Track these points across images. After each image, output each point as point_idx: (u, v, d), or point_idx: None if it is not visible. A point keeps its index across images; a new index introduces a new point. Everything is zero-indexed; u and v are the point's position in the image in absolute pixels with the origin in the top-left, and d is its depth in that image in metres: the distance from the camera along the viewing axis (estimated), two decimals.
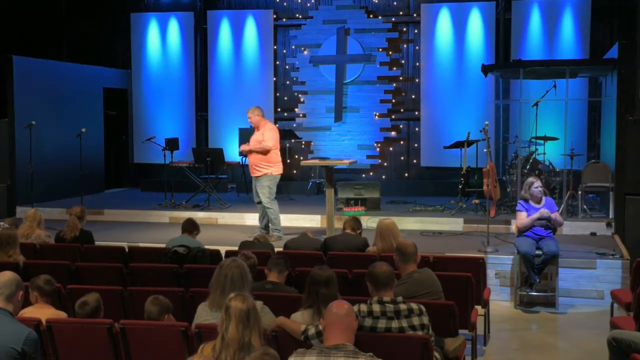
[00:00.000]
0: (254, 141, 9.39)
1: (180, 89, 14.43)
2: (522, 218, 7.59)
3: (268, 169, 9.37)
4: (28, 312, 4.69)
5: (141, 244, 8.83)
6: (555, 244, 7.48)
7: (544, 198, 7.69)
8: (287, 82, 14.14)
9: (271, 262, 5.31)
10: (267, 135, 9.34)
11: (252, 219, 10.79)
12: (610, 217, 9.57)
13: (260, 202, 9.49)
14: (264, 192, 9.36)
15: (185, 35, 14.41)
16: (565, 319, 7.37)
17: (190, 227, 7.28)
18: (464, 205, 10.87)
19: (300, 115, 13.90)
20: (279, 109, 14.13)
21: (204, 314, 4.49)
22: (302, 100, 13.93)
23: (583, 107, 12.11)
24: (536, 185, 7.65)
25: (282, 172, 9.63)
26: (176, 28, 14.42)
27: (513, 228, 9.06)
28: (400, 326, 4.21)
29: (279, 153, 9.54)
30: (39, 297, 4.82)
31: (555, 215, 7.59)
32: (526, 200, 7.69)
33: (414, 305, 4.31)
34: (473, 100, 12.82)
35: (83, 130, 11.05)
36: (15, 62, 12.05)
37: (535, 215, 7.51)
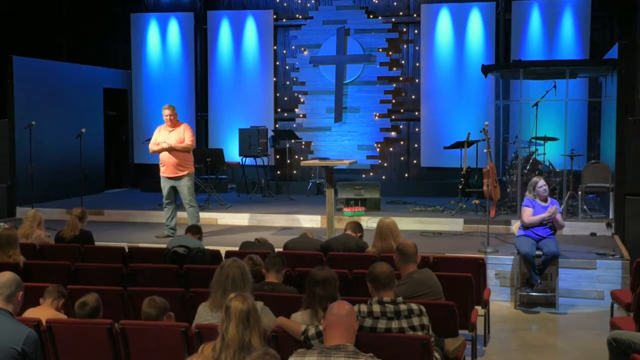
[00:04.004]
0: (175, 140, 9.31)
1: (180, 89, 14.42)
2: (529, 214, 7.57)
3: (189, 168, 9.48)
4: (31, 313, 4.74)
5: (141, 244, 8.83)
6: (555, 244, 7.49)
7: (549, 198, 7.70)
8: (287, 83, 14.13)
9: (268, 261, 5.26)
10: (188, 134, 9.43)
11: (252, 219, 10.81)
12: (610, 217, 9.57)
13: (170, 203, 9.50)
14: (186, 191, 9.42)
15: (185, 35, 14.40)
16: (566, 319, 7.37)
17: (194, 229, 7.33)
18: (464, 206, 10.87)
19: (300, 115, 13.89)
20: (279, 109, 14.12)
21: (205, 314, 4.49)
22: (302, 100, 13.92)
23: (583, 107, 12.11)
24: (540, 184, 7.65)
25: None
26: (176, 28, 14.42)
27: (513, 228, 9.08)
28: (401, 326, 4.21)
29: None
30: (46, 299, 4.89)
31: (559, 217, 7.60)
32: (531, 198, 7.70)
33: (414, 306, 4.31)
34: (473, 101, 12.81)
35: (83, 130, 11.04)
36: (15, 62, 12.04)
37: (545, 214, 7.51)
